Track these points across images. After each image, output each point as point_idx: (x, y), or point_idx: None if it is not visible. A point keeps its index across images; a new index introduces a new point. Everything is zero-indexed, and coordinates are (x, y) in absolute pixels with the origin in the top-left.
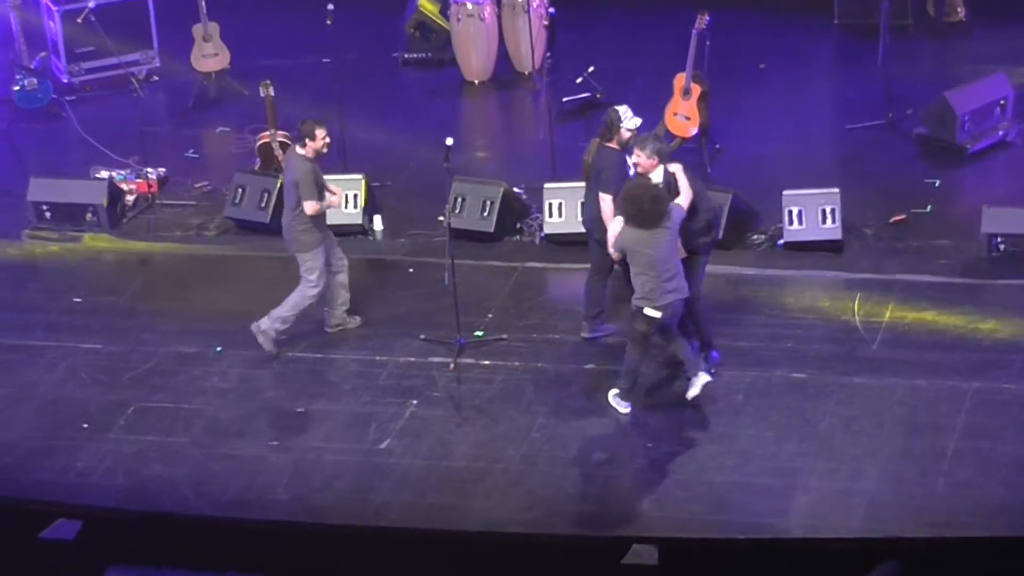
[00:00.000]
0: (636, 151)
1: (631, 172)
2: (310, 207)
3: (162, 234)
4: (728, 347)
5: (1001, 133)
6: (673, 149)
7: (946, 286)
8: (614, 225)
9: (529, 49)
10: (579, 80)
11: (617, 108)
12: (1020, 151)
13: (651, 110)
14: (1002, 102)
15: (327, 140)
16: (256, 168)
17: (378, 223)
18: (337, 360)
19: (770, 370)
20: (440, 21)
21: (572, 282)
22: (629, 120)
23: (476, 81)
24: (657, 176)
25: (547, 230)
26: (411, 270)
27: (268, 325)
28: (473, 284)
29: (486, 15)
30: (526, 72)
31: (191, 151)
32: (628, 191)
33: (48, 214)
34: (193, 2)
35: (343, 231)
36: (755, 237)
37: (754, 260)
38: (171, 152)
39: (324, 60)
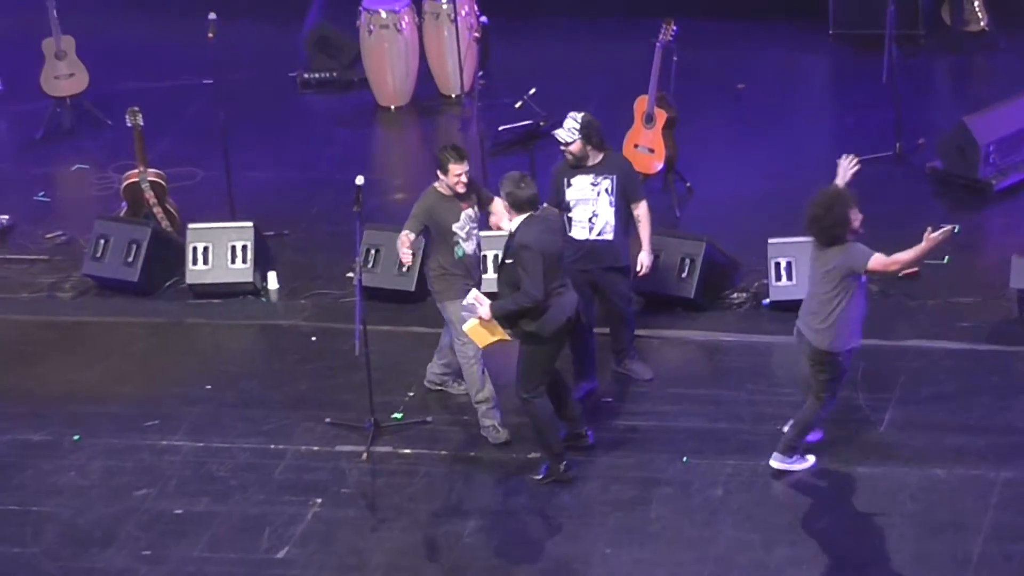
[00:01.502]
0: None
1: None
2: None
3: (5, 296)
4: (704, 430)
5: None
6: None
7: (969, 354)
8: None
9: (457, 67)
10: (518, 105)
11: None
12: None
13: (607, 140)
14: None
15: (461, 178)
16: (122, 214)
17: (272, 281)
18: (222, 449)
19: (755, 458)
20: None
21: (511, 351)
22: (564, 125)
23: (392, 107)
24: (510, 225)
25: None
26: (313, 339)
27: (486, 421)
28: (390, 355)
29: (404, 26)
30: (453, 95)
31: (41, 194)
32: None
33: None
34: (42, 11)
35: (228, 291)
36: (735, 295)
37: (734, 323)
38: (15, 195)
39: (205, 81)
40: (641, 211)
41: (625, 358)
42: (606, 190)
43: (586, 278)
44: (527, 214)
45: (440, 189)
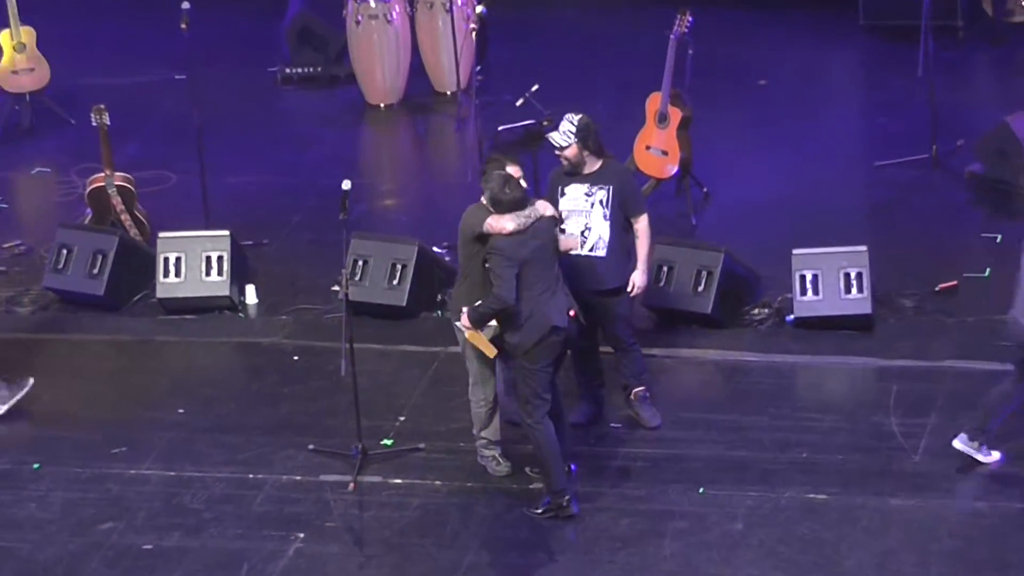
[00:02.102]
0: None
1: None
2: None
3: None
4: (722, 458)
5: None
6: (646, 194)
7: (1012, 376)
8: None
9: (452, 61)
10: (519, 102)
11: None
12: None
13: (615, 142)
14: None
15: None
16: (86, 222)
17: (251, 295)
18: (196, 479)
19: (778, 489)
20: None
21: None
22: (559, 127)
23: (382, 104)
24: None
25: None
26: (296, 358)
27: (485, 452)
28: (380, 376)
29: (395, 16)
30: (448, 92)
31: None
32: None
33: None
34: None
35: (202, 306)
36: (756, 311)
37: (755, 342)
38: None
39: (178, 76)
40: (641, 226)
41: (630, 396)
42: (601, 201)
43: (578, 300)
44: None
45: (485, 203)
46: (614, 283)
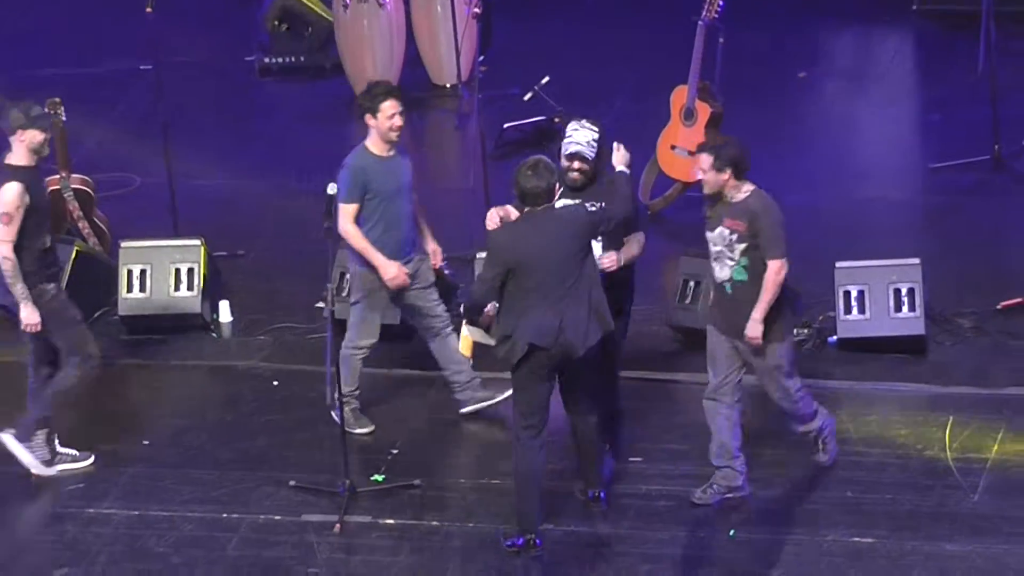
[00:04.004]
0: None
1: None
2: None
3: None
4: (757, 497)
5: None
6: (670, 200)
7: None
8: None
9: (452, 51)
10: (527, 97)
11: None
12: None
13: (636, 141)
14: None
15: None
16: None
17: (225, 312)
18: (163, 518)
19: (820, 532)
20: (319, 9)
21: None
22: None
23: None
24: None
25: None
26: (275, 383)
27: None
28: (370, 403)
29: (387, 0)
30: (448, 85)
31: None
32: None
33: None
34: None
35: (171, 325)
36: (795, 332)
37: None
38: None
39: (143, 67)
40: (632, 238)
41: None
42: None
43: None
44: (526, 208)
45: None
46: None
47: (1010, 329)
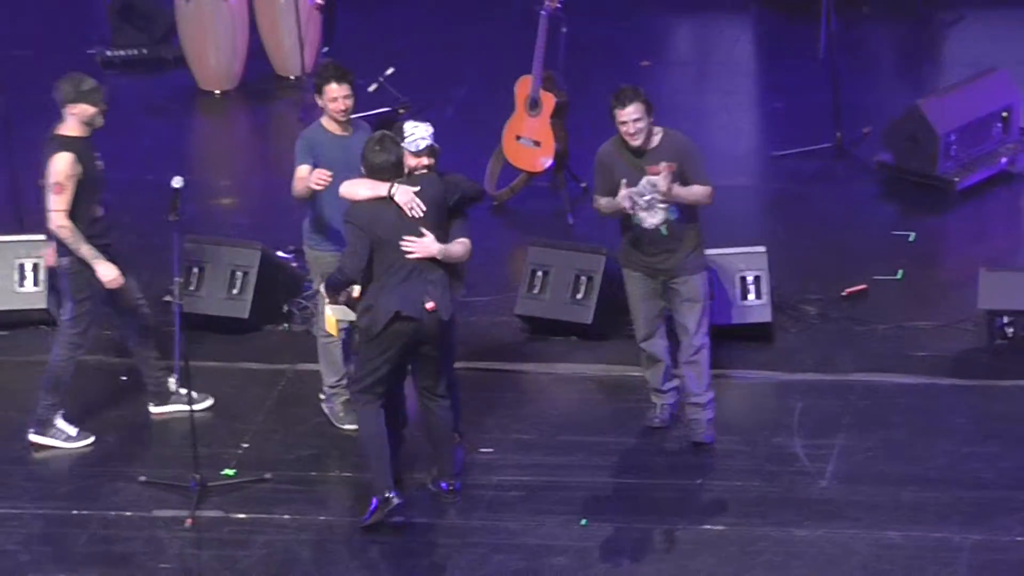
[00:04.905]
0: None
1: None
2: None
3: None
4: (606, 486)
5: (1004, 161)
6: (515, 191)
7: (927, 390)
8: None
9: (296, 42)
10: (372, 88)
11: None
12: None
13: (480, 131)
14: (1004, 114)
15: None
16: None
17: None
18: (10, 516)
19: (669, 519)
20: None
21: None
22: (413, 137)
23: (217, 91)
24: None
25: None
26: (123, 378)
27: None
28: (219, 397)
29: None
30: (292, 76)
31: None
32: None
33: None
34: None
35: (15, 320)
36: None
37: (639, 354)
38: None
39: None
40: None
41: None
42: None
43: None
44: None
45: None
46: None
47: (854, 315)
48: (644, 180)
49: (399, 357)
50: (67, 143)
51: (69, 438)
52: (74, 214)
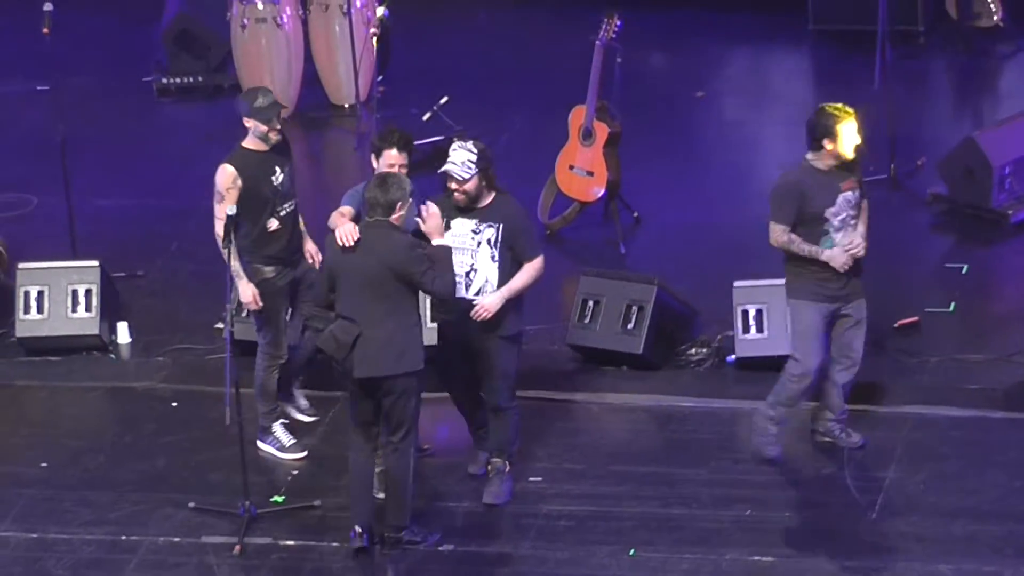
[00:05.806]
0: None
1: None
2: None
3: None
4: (655, 516)
5: None
6: (569, 220)
7: (979, 423)
8: None
9: (351, 70)
10: (427, 117)
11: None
12: None
13: (534, 161)
14: None
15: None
16: None
17: (123, 334)
18: (60, 541)
19: (718, 550)
20: None
21: (435, 412)
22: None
23: None
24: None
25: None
26: (174, 405)
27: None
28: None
29: (286, 19)
30: (346, 105)
31: None
32: None
33: None
34: None
35: (68, 346)
36: (693, 351)
37: (692, 385)
38: None
39: (40, 88)
40: (530, 264)
41: (486, 465)
42: (489, 241)
43: (463, 348)
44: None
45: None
46: (508, 331)
47: (906, 348)
48: (840, 197)
49: (365, 398)
50: (237, 156)
51: (282, 447)
52: (244, 226)
